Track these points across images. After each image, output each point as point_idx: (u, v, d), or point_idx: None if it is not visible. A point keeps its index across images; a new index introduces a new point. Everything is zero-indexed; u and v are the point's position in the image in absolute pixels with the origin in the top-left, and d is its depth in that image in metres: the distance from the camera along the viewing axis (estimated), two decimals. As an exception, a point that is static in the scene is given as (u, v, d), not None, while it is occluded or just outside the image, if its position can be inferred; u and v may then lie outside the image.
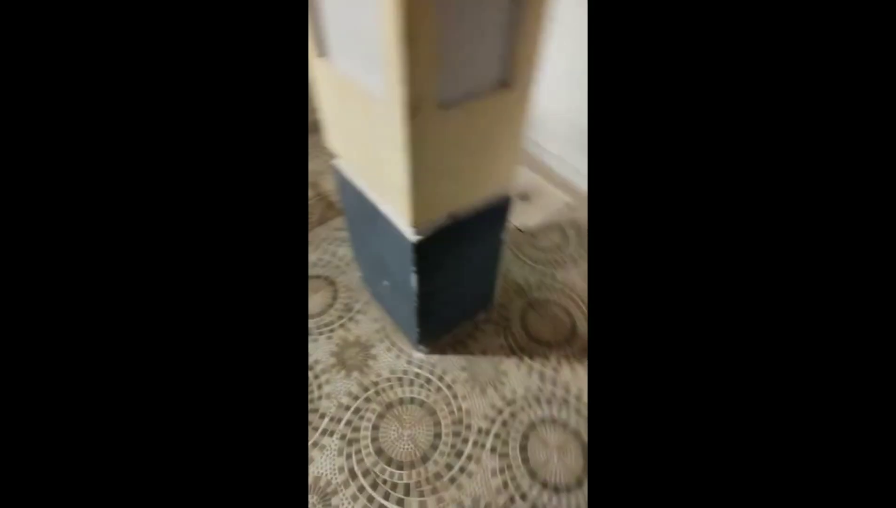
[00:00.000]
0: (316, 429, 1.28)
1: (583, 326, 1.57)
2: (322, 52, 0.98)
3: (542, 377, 1.42)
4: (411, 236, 1.05)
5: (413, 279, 1.16)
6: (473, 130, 0.94)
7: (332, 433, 1.28)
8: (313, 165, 2.17)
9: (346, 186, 1.26)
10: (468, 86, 0.87)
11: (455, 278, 1.29)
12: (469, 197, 1.10)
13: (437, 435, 1.28)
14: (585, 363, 1.46)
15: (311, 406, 1.33)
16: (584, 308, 1.62)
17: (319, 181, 2.09)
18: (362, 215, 1.26)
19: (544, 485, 1.19)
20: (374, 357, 1.45)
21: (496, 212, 1.22)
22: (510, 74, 0.92)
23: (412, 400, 1.35)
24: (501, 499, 1.16)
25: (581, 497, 1.17)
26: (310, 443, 1.26)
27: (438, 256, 1.15)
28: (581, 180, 2.16)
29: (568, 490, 1.18)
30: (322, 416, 1.31)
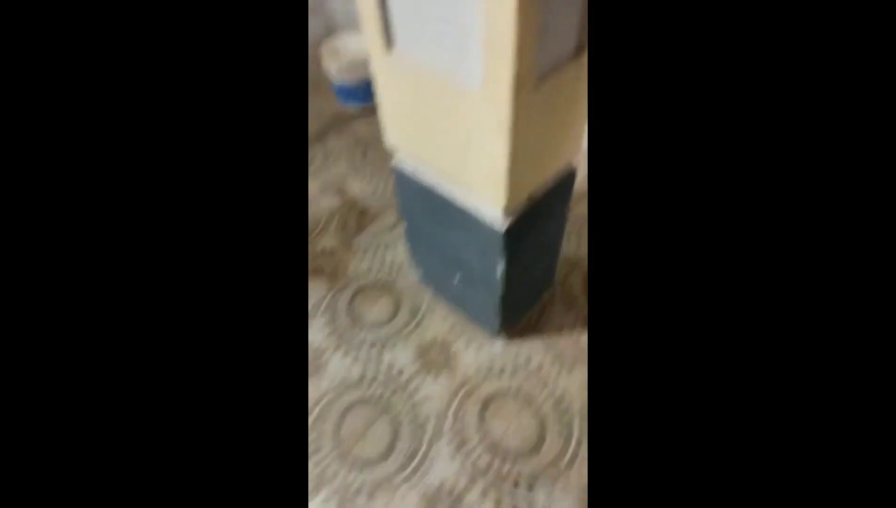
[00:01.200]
0: (423, 437, 1.26)
1: (650, 284, 1.56)
2: (390, 45, 0.92)
3: (628, 341, 1.41)
4: (499, 223, 1.02)
5: (499, 268, 1.13)
6: (557, 101, 0.90)
7: (440, 437, 1.26)
8: (337, 169, 2.10)
9: (409, 184, 1.21)
10: (554, 56, 0.83)
11: (531, 261, 1.27)
12: (547, 174, 1.07)
13: (542, 423, 1.27)
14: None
15: (410, 414, 1.31)
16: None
17: (345, 187, 2.02)
18: (431, 212, 1.22)
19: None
20: (456, 356, 1.43)
21: (565, 186, 1.19)
22: (584, 37, 0.88)
23: (507, 391, 1.34)
24: (625, 468, 1.16)
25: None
26: (421, 451, 1.24)
27: (521, 240, 1.12)
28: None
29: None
30: (425, 422, 1.29)
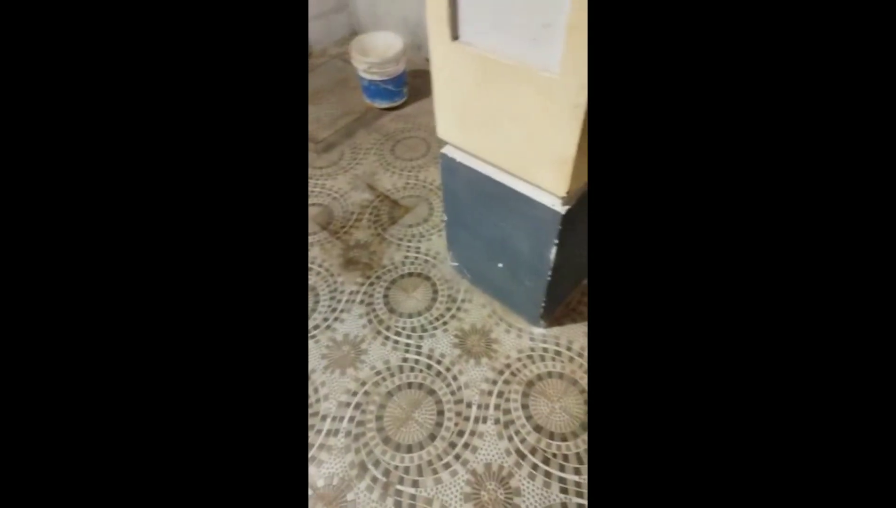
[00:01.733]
0: (468, 419, 1.29)
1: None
2: (456, 36, 0.96)
3: (665, 329, 1.45)
4: (559, 208, 1.06)
5: (552, 253, 1.17)
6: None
7: (485, 420, 1.28)
8: (366, 165, 2.13)
9: (458, 173, 1.25)
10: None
11: (577, 246, 1.31)
12: (601, 161, 1.11)
13: (588, 402, 1.30)
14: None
15: (454, 397, 1.33)
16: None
17: (375, 182, 2.06)
18: (481, 200, 1.25)
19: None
20: (496, 341, 1.46)
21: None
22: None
23: (549, 374, 1.37)
24: (670, 449, 1.20)
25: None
26: (467, 432, 1.26)
27: (574, 224, 1.16)
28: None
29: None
30: (469, 405, 1.31)
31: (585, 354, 1.41)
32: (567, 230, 1.12)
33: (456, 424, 1.28)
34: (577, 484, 1.16)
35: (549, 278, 1.25)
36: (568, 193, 1.01)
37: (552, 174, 0.99)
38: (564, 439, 1.24)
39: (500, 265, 1.39)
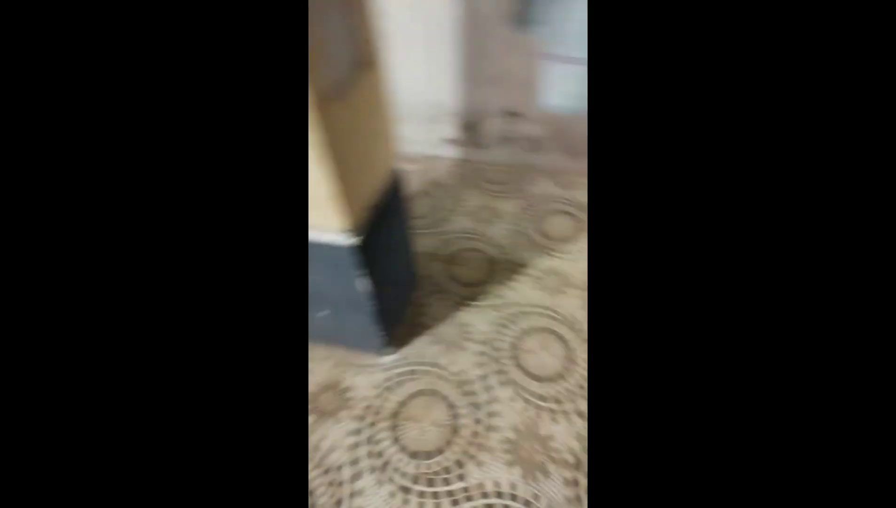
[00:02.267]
0: (342, 483, 1.19)
1: (490, 252, 1.77)
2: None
3: (494, 307, 1.58)
4: (347, 241, 1.04)
5: (363, 284, 1.15)
6: (358, 114, 0.97)
7: (361, 475, 1.20)
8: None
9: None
10: (337, 75, 0.89)
11: (390, 267, 1.32)
12: (377, 182, 1.13)
13: (452, 406, 1.33)
14: (516, 279, 1.67)
15: (322, 468, 1.21)
16: (482, 240, 1.83)
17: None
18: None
19: (538, 379, 1.37)
20: (350, 389, 1.38)
21: (398, 190, 1.27)
22: (365, 54, 0.97)
23: (412, 395, 1.36)
24: (530, 412, 1.30)
25: (573, 380, 1.40)
26: (346, 498, 1.16)
27: (375, 251, 1.16)
28: (409, 145, 2.32)
29: (551, 379, 1.39)
30: (340, 468, 1.21)
31: (439, 362, 1.44)
32: (369, 257, 1.12)
33: (332, 495, 1.17)
34: (465, 490, 1.17)
35: (374, 308, 1.23)
36: (349, 226, 1.00)
37: (325, 214, 0.97)
38: (441, 451, 1.24)
39: (324, 314, 1.32)
